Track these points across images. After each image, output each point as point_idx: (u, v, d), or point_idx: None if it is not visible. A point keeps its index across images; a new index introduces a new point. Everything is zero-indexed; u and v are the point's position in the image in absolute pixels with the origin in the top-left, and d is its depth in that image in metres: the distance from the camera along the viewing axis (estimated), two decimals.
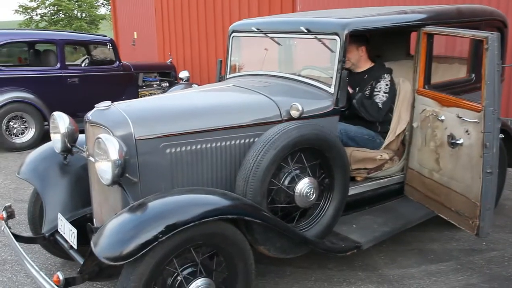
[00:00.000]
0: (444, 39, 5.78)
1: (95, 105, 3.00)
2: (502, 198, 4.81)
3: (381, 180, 3.87)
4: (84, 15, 31.66)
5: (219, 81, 4.34)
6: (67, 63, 8.12)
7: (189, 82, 8.83)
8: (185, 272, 2.65)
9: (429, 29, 3.59)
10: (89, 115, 3.02)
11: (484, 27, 3.97)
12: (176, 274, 2.63)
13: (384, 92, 3.81)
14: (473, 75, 4.02)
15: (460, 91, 3.80)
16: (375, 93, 3.84)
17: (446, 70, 4.34)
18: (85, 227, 2.81)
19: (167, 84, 9.77)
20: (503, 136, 4.15)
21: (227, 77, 4.35)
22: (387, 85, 3.84)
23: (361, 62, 3.99)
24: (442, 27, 3.60)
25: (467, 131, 3.23)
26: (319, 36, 3.50)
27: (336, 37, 3.39)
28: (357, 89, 3.94)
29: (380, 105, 3.80)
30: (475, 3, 6.01)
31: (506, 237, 4.20)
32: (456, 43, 5.86)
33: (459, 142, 3.29)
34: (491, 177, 3.15)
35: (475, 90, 3.74)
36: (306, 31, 3.55)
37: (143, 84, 9.49)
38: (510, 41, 5.51)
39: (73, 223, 3.12)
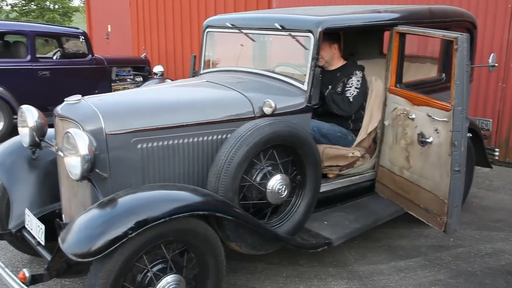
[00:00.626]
0: (416, 39, 5.88)
1: (65, 99, 2.94)
2: (470, 196, 4.92)
3: (353, 178, 3.91)
4: (56, 6, 31.02)
5: (193, 76, 4.31)
6: (38, 56, 7.94)
7: (163, 77, 8.75)
8: (155, 269, 2.63)
9: (402, 28, 3.64)
10: (59, 108, 2.96)
11: (455, 28, 4.04)
12: (146, 270, 2.60)
13: (355, 88, 3.85)
14: (444, 75, 4.09)
15: (431, 90, 3.86)
16: (346, 89, 3.87)
17: (418, 70, 4.40)
18: (54, 223, 2.76)
19: (141, 79, 9.65)
20: (471, 135, 4.25)
21: (201, 72, 4.32)
22: (358, 81, 3.87)
23: (334, 60, 4.02)
24: (414, 27, 3.65)
25: (436, 130, 3.29)
26: (293, 33, 3.51)
27: (310, 34, 3.40)
28: (330, 87, 3.97)
29: (351, 99, 3.84)
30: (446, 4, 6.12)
31: (473, 233, 4.30)
32: (428, 43, 5.96)
33: (429, 140, 3.35)
34: (459, 175, 3.21)
35: (445, 89, 3.80)
36: (280, 28, 3.55)
37: (117, 78, 9.36)
38: (479, 42, 5.63)
39: (41, 219, 3.05)
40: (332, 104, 3.80)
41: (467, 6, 6.07)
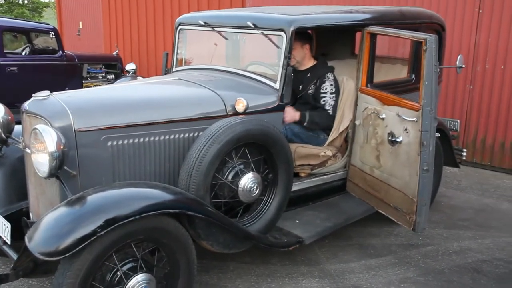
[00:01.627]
0: (387, 40, 5.96)
1: (33, 95, 2.88)
2: (438, 195, 5.02)
3: (324, 176, 3.94)
4: (26, 1, 30.35)
5: (165, 74, 4.28)
6: (6, 51, 7.75)
7: (135, 75, 8.66)
8: (125, 268, 2.59)
9: (373, 29, 3.69)
10: (26, 104, 2.89)
11: (424, 30, 4.11)
12: (115, 269, 2.57)
13: (331, 93, 3.88)
14: (413, 75, 4.17)
15: (401, 90, 3.92)
16: (322, 95, 3.89)
17: (388, 70, 4.46)
18: (20, 222, 2.70)
19: (113, 76, 9.54)
20: (439, 135, 4.33)
21: (173, 70, 4.29)
22: (331, 85, 3.90)
23: (305, 60, 4.04)
24: (385, 28, 3.70)
25: (406, 130, 3.34)
26: (265, 32, 3.52)
27: (282, 33, 3.42)
28: (301, 86, 3.99)
29: (331, 112, 3.90)
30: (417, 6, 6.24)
31: (441, 232, 4.39)
32: (399, 44, 6.06)
33: (399, 140, 3.40)
34: (428, 174, 3.27)
35: (415, 90, 3.86)
36: (253, 26, 3.56)
37: (88, 75, 9.22)
38: (448, 44, 5.76)
39: (7, 217, 2.98)
40: (313, 126, 3.89)
41: (437, 9, 6.20)
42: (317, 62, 4.06)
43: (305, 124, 3.84)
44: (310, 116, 3.85)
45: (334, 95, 3.90)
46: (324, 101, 3.88)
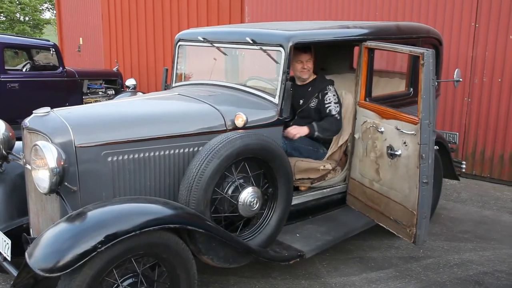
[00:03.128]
0: (385, 55, 6.02)
1: (34, 111, 2.90)
2: (438, 207, 5.03)
3: (324, 190, 3.95)
4: (27, 18, 30.58)
5: (165, 89, 4.31)
6: (6, 68, 7.80)
7: (135, 90, 8.69)
8: (125, 283, 2.60)
9: (370, 44, 3.72)
10: (27, 121, 2.91)
11: (421, 44, 4.16)
12: (116, 285, 2.57)
13: (335, 102, 3.91)
14: (411, 89, 4.19)
15: (399, 104, 3.94)
16: (327, 105, 3.91)
17: (386, 84, 4.50)
18: (21, 238, 2.70)
19: (113, 92, 9.57)
20: (438, 148, 4.35)
21: (173, 85, 4.32)
22: (334, 95, 3.93)
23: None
24: (383, 43, 3.73)
25: (404, 143, 3.36)
26: (264, 47, 3.55)
27: (280, 48, 3.45)
28: (301, 101, 4.02)
29: (338, 116, 3.90)
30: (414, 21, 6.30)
31: (442, 244, 4.38)
32: (397, 58, 6.11)
33: (398, 153, 3.41)
34: (427, 186, 3.28)
35: (413, 103, 3.89)
36: (251, 42, 3.59)
37: (88, 91, 9.25)
38: (445, 58, 5.80)
39: (8, 233, 2.99)
40: (326, 133, 3.89)
41: (434, 23, 6.26)
42: (317, 76, 4.10)
43: (316, 134, 3.84)
44: (318, 126, 3.86)
45: (338, 104, 3.92)
46: (329, 109, 3.90)
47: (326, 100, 3.93)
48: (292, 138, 3.77)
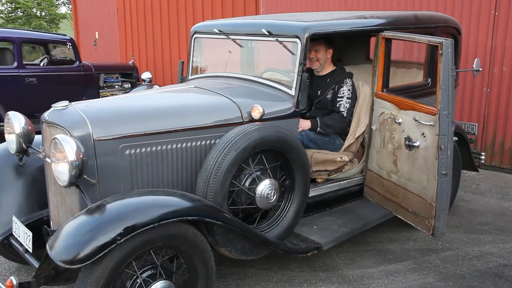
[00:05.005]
0: (402, 45, 5.94)
1: (52, 105, 2.93)
2: (457, 199, 4.97)
3: (341, 182, 3.93)
4: (43, 13, 30.85)
5: (181, 82, 4.32)
6: (24, 62, 7.89)
7: (151, 84, 8.73)
8: (144, 275, 2.62)
9: (388, 34, 3.68)
10: (46, 115, 2.94)
11: (440, 34, 4.10)
12: (135, 276, 2.59)
13: (347, 98, 3.88)
14: (429, 79, 4.14)
15: (417, 95, 3.90)
16: (338, 99, 3.89)
17: (404, 75, 4.45)
18: (41, 230, 2.74)
19: (129, 85, 9.62)
20: (457, 139, 4.30)
21: (189, 78, 4.33)
22: (349, 90, 3.90)
23: (326, 64, 4.03)
24: (400, 33, 3.69)
25: (423, 134, 3.33)
26: (280, 39, 3.54)
27: (297, 40, 3.43)
28: (319, 92, 3.99)
29: (344, 114, 3.88)
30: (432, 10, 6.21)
31: (461, 236, 4.34)
32: (414, 48, 6.03)
33: (416, 144, 3.38)
34: (446, 178, 3.25)
35: (431, 94, 3.85)
36: (267, 33, 3.58)
37: (104, 85, 9.33)
38: (464, 48, 5.71)
39: (29, 226, 3.03)
40: (328, 130, 3.86)
41: (452, 13, 6.16)
42: (336, 68, 4.07)
43: (318, 129, 3.83)
44: (321, 121, 3.84)
45: (350, 100, 3.89)
46: (339, 104, 3.88)
47: (340, 94, 3.90)
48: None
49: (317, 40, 3.78)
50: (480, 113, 6.32)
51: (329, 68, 4.05)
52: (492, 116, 6.24)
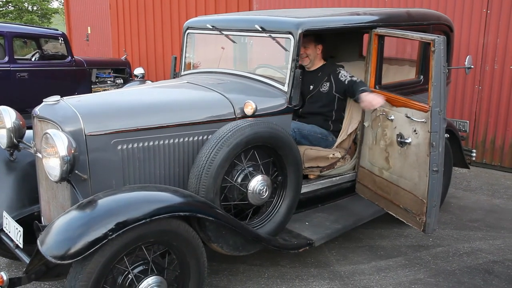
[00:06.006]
0: (395, 42, 5.96)
1: (44, 100, 2.91)
2: (448, 196, 5.00)
3: (333, 178, 3.94)
4: (35, 8, 30.60)
5: (174, 78, 4.30)
6: (16, 57, 7.83)
7: (144, 79, 8.71)
8: (136, 271, 2.61)
9: (380, 30, 3.69)
10: (37, 109, 2.92)
11: (432, 31, 4.11)
12: (126, 272, 2.59)
13: (350, 76, 3.86)
14: (422, 76, 4.15)
15: (409, 92, 3.91)
16: (347, 81, 3.84)
17: (396, 72, 4.46)
18: (32, 226, 2.73)
19: (122, 81, 9.60)
20: (448, 136, 4.32)
21: (182, 74, 4.32)
22: (347, 72, 3.91)
23: (316, 60, 4.04)
24: (393, 29, 3.69)
25: (415, 131, 3.34)
26: (273, 35, 3.53)
27: (290, 36, 3.43)
28: (311, 86, 3.99)
29: (357, 80, 3.81)
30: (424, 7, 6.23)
31: (451, 233, 4.37)
32: (407, 45, 6.05)
33: (408, 141, 3.39)
34: (437, 175, 3.26)
35: (423, 91, 3.86)
36: (260, 29, 3.57)
37: (97, 80, 9.30)
38: (456, 45, 5.74)
39: (19, 221, 3.00)
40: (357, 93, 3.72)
41: (444, 10, 6.18)
42: (326, 62, 4.07)
43: (356, 97, 3.71)
44: (352, 86, 3.77)
45: (353, 76, 3.86)
46: (353, 80, 3.81)
47: (342, 77, 3.88)
48: (372, 107, 3.60)
49: (306, 36, 3.78)
50: (472, 111, 6.36)
51: (319, 63, 4.06)
52: (483, 113, 6.28)
